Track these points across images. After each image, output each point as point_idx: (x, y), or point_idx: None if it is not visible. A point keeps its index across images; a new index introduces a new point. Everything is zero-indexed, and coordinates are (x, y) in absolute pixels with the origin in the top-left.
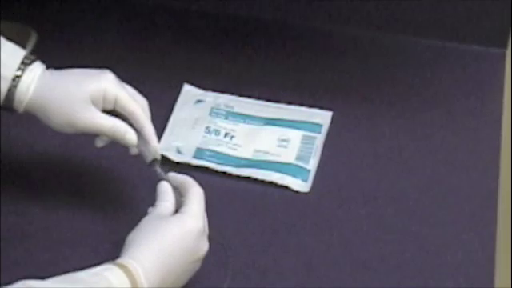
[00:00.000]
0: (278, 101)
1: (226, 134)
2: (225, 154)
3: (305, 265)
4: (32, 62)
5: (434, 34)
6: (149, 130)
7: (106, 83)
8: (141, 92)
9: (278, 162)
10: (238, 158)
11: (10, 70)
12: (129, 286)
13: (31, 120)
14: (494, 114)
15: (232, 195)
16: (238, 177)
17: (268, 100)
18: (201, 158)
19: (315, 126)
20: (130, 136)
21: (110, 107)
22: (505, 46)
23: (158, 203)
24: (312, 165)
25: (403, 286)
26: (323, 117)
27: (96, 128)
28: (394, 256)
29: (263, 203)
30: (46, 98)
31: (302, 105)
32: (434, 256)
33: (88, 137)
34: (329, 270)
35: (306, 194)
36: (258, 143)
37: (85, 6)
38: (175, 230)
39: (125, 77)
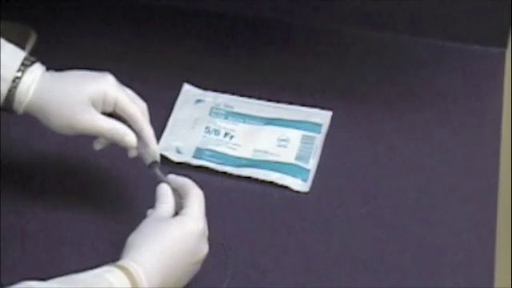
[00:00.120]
0: (277, 101)
1: (226, 134)
2: (224, 154)
3: (304, 264)
4: (32, 63)
5: (434, 33)
6: (148, 132)
7: (106, 85)
8: (141, 91)
9: (277, 162)
10: (237, 157)
11: (10, 71)
12: (130, 287)
13: (31, 120)
14: (493, 113)
15: (232, 195)
16: (238, 177)
17: (268, 100)
18: (200, 158)
19: (315, 126)
20: (130, 138)
21: (109, 109)
22: (504, 46)
23: (157, 205)
24: (312, 165)
25: (403, 285)
26: (323, 117)
27: (95, 130)
28: (394, 256)
29: (263, 203)
30: (45, 100)
31: (301, 105)
32: (434, 256)
33: (88, 137)
34: (328, 270)
35: (305, 193)
36: (258, 143)
37: (85, 5)
38: (176, 231)
39: (125, 76)
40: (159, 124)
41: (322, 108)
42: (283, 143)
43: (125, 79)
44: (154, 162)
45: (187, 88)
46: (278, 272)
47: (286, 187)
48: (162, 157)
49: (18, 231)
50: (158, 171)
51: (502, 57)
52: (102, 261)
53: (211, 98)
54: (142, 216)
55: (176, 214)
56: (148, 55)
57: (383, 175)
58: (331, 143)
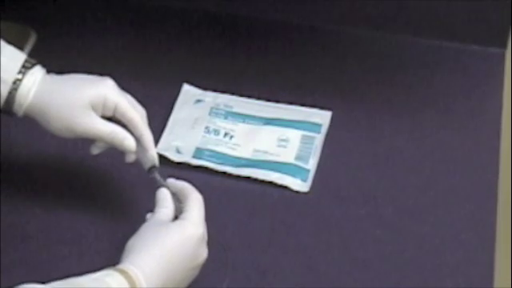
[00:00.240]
0: (277, 101)
1: (226, 134)
2: (224, 154)
3: (304, 264)
4: (33, 65)
5: (434, 33)
6: (148, 137)
7: (106, 90)
8: (141, 91)
9: (277, 162)
10: (237, 157)
11: (11, 74)
12: None
13: (31, 121)
14: (493, 113)
15: (231, 195)
16: (238, 177)
17: (267, 100)
18: (200, 158)
19: (315, 126)
20: (129, 142)
21: (109, 114)
22: (504, 46)
23: (157, 209)
24: (311, 164)
25: (402, 285)
26: (322, 117)
27: (95, 133)
28: (394, 256)
29: (262, 203)
30: (45, 103)
31: (301, 104)
32: (434, 256)
33: (87, 140)
34: (328, 270)
35: (305, 193)
36: (258, 143)
37: (84, 6)
38: (176, 236)
39: (125, 76)
40: (159, 124)
41: (322, 108)
42: (283, 143)
43: (125, 79)
44: (153, 167)
45: (187, 88)
46: (278, 272)
47: (285, 187)
48: (162, 157)
49: (18, 231)
50: (157, 175)
51: (502, 57)
52: (101, 261)
53: (211, 97)
54: (141, 216)
55: (175, 218)
56: (148, 55)
57: (383, 175)
58: (331, 143)
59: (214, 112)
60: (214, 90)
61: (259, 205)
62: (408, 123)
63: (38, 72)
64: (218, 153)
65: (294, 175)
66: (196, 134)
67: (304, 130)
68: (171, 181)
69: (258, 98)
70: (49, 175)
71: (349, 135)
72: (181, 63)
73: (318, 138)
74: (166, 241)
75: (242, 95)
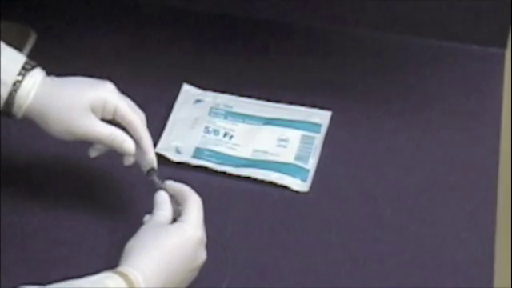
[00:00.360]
0: (277, 100)
1: (225, 134)
2: (224, 154)
3: (304, 264)
4: (33, 67)
5: (434, 33)
6: (147, 140)
7: (106, 93)
8: (140, 91)
9: (277, 162)
10: (237, 157)
11: (11, 75)
12: None
13: (31, 122)
14: (493, 113)
15: (231, 195)
16: (237, 176)
17: (267, 100)
18: (200, 158)
19: (314, 126)
20: (128, 145)
21: (108, 117)
22: (504, 46)
23: (155, 212)
24: (311, 164)
25: (402, 285)
26: (322, 116)
27: (94, 136)
28: (394, 255)
29: (262, 203)
30: (45, 105)
31: (301, 104)
32: (434, 255)
33: (87, 142)
34: (328, 270)
35: (305, 193)
36: (257, 143)
37: (84, 5)
38: (175, 238)
39: (124, 76)
40: (159, 124)
41: (322, 108)
42: (283, 143)
43: (124, 79)
44: (152, 170)
45: (187, 88)
46: (278, 272)
47: (285, 187)
48: (162, 157)
49: (18, 231)
50: (155, 178)
51: (502, 57)
52: (101, 261)
53: (211, 97)
54: (140, 217)
55: (174, 220)
56: (148, 55)
57: (383, 175)
58: (331, 143)
59: (213, 112)
60: (214, 90)
61: (259, 205)
62: (408, 123)
63: (37, 74)
64: (217, 153)
65: (293, 175)
66: (196, 134)
67: (304, 129)
68: (170, 183)
69: (258, 98)
70: (49, 175)
71: (348, 135)
72: (180, 63)
73: (318, 138)
74: (166, 243)
75: (241, 95)
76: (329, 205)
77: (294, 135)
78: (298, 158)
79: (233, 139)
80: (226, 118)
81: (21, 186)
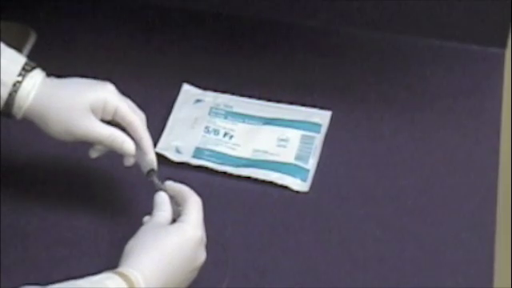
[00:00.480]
0: (277, 100)
1: (226, 134)
2: (224, 154)
3: (304, 264)
4: (32, 68)
5: (434, 33)
6: (147, 141)
7: (106, 94)
8: (140, 91)
9: (277, 162)
10: (237, 157)
11: (11, 76)
12: None
13: (31, 122)
14: (493, 113)
15: (231, 195)
16: (238, 176)
17: (267, 100)
18: (200, 158)
19: (314, 126)
20: (128, 145)
21: (108, 118)
22: (504, 46)
23: (155, 213)
24: (311, 164)
25: (402, 285)
26: (322, 116)
27: (94, 136)
28: (394, 255)
29: (262, 203)
30: (45, 105)
31: (301, 104)
32: (434, 255)
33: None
34: (328, 270)
35: (305, 193)
36: (257, 143)
37: (84, 5)
38: (175, 238)
39: (124, 76)
40: (159, 124)
41: (322, 108)
42: (283, 143)
43: (124, 79)
44: (152, 170)
45: (187, 88)
46: (278, 272)
47: (285, 187)
48: (162, 156)
49: (18, 231)
50: (155, 179)
51: (502, 57)
52: (101, 261)
53: (211, 97)
54: (141, 217)
55: (173, 221)
56: (148, 55)
57: (383, 175)
58: (331, 143)
59: (213, 112)
60: (214, 90)
61: (259, 205)
62: (408, 123)
63: (37, 75)
64: (217, 153)
65: (293, 175)
66: (196, 134)
67: (304, 129)
68: (169, 183)
69: (258, 98)
70: (49, 176)
71: (348, 135)
72: (180, 63)
73: (318, 138)
74: (166, 243)
75: (241, 95)
76: (329, 205)
77: (294, 135)
78: (298, 157)
79: (233, 139)
80: (226, 117)
81: (21, 186)
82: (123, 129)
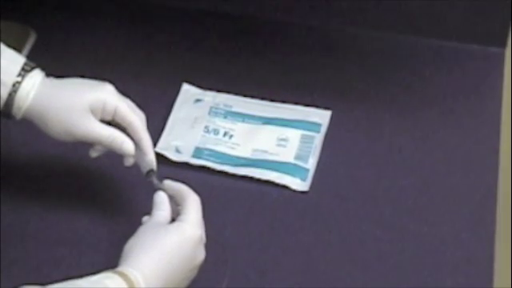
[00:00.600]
0: (277, 100)
1: (225, 133)
2: (224, 153)
3: (303, 264)
4: (32, 69)
5: (433, 33)
6: (147, 141)
7: (106, 94)
8: (140, 91)
9: (276, 162)
10: (236, 157)
11: (11, 76)
12: None
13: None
14: (492, 113)
15: (231, 194)
16: (237, 176)
17: (267, 99)
18: (200, 158)
19: (314, 126)
20: (128, 146)
21: (108, 118)
22: (504, 46)
23: (154, 212)
24: (311, 164)
25: (402, 285)
26: (322, 116)
27: (94, 137)
28: (393, 255)
29: (262, 202)
30: (44, 106)
31: (301, 104)
32: (433, 255)
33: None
34: (328, 270)
35: (304, 193)
36: (257, 142)
37: (84, 5)
38: (174, 237)
39: (124, 76)
40: (158, 123)
41: (321, 107)
42: (282, 143)
43: (124, 79)
44: (151, 171)
45: (186, 87)
46: (277, 271)
47: (285, 187)
48: (162, 156)
49: (18, 231)
50: (154, 180)
51: (502, 57)
52: (101, 261)
53: (210, 97)
54: (140, 216)
55: (173, 220)
56: (147, 55)
57: (383, 175)
58: (330, 143)
59: (213, 111)
60: (214, 90)
61: (258, 204)
62: (407, 123)
63: (37, 75)
64: (217, 152)
65: (293, 175)
66: (195, 134)
67: (303, 129)
68: (168, 183)
69: (258, 98)
70: (49, 175)
71: (348, 135)
72: (180, 63)
73: (318, 138)
74: (165, 242)
75: (241, 95)
76: (328, 204)
77: (294, 135)
78: (297, 157)
79: (232, 139)
80: (225, 117)
81: (21, 186)
82: (123, 129)
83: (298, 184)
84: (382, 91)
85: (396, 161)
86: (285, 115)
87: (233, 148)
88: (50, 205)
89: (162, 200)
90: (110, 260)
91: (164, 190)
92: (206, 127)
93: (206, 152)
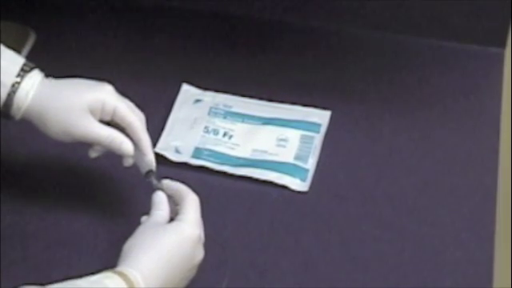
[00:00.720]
0: (276, 100)
1: (225, 134)
2: (223, 154)
3: (303, 264)
4: (31, 69)
5: (433, 33)
6: (146, 142)
7: (105, 94)
8: (140, 91)
9: (276, 162)
10: (236, 157)
11: (10, 77)
12: None
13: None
14: (492, 113)
15: (230, 195)
16: (237, 176)
17: (267, 99)
18: (199, 158)
19: (314, 126)
20: (127, 146)
21: (107, 118)
22: (503, 46)
23: (153, 212)
24: (311, 164)
25: (402, 285)
26: (322, 116)
27: (93, 137)
28: (393, 255)
29: (261, 203)
30: (43, 106)
31: (300, 104)
32: (433, 255)
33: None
34: (327, 270)
35: (304, 193)
36: (257, 143)
37: (84, 5)
38: (173, 237)
39: (124, 76)
40: (158, 124)
41: (321, 108)
42: (282, 143)
43: (124, 79)
44: (150, 171)
45: (186, 88)
46: (277, 272)
47: (284, 187)
48: (161, 156)
49: (18, 231)
50: (153, 180)
51: (501, 57)
52: (101, 261)
53: (210, 97)
54: (140, 216)
55: (171, 220)
56: (147, 55)
57: (382, 175)
58: (330, 143)
59: (213, 112)
60: (213, 90)
61: (258, 204)
62: (407, 123)
63: (36, 76)
64: (217, 152)
65: (293, 175)
66: (195, 134)
67: (303, 129)
68: (167, 182)
69: (257, 98)
70: (49, 176)
71: (348, 135)
72: (180, 63)
73: (318, 138)
74: (164, 242)
75: (241, 95)
76: (328, 205)
77: (294, 135)
78: (297, 157)
79: (232, 139)
80: (225, 117)
81: (21, 186)
82: (122, 129)
83: (297, 184)
84: (382, 91)
85: (396, 161)
86: (284, 115)
87: (232, 148)
88: (49, 205)
89: (160, 200)
90: (110, 260)
91: (163, 190)
92: (206, 127)
93: (206, 152)
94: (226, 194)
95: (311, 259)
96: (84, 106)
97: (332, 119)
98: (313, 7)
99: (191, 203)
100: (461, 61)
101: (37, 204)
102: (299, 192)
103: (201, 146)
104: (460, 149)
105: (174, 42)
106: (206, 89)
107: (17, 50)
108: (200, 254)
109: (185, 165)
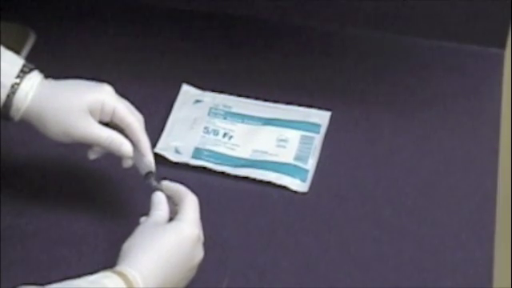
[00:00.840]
0: (276, 101)
1: (225, 134)
2: (223, 154)
3: (303, 265)
4: (31, 70)
5: (433, 33)
6: (145, 143)
7: (104, 95)
8: (140, 92)
9: (276, 162)
10: (236, 157)
11: (9, 78)
12: None
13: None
14: (492, 113)
15: (230, 195)
16: (237, 177)
17: (266, 100)
18: (199, 158)
19: (314, 126)
20: (126, 147)
21: (106, 119)
22: (503, 46)
23: (152, 212)
24: (310, 165)
25: (402, 285)
26: (322, 117)
27: (92, 138)
28: (393, 256)
29: (261, 203)
30: (43, 107)
31: (300, 105)
32: (433, 256)
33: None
34: (327, 270)
35: (304, 194)
36: (257, 143)
37: (84, 6)
38: (172, 237)
39: (124, 77)
40: (158, 124)
41: (321, 108)
42: (282, 143)
43: (124, 79)
44: (150, 172)
45: (186, 88)
46: (277, 272)
47: (284, 187)
48: (161, 157)
49: (18, 231)
50: (153, 181)
51: (501, 57)
52: (100, 261)
53: (210, 98)
54: (139, 217)
55: (171, 220)
56: (147, 55)
57: (382, 175)
58: (330, 143)
59: (212, 112)
60: (213, 91)
61: (258, 205)
62: (407, 123)
63: (35, 77)
64: (216, 153)
65: (293, 175)
66: (195, 134)
67: (303, 130)
68: (166, 183)
69: (257, 98)
70: (48, 176)
71: (348, 135)
72: (180, 63)
73: (317, 139)
74: (163, 242)
75: (241, 95)
76: (328, 205)
77: (294, 135)
78: (297, 158)
79: (232, 139)
80: (225, 118)
81: (21, 187)
82: (121, 130)
83: (297, 185)
84: (382, 91)
85: (395, 161)
86: (284, 116)
87: (232, 149)
88: (49, 205)
89: (159, 200)
90: (110, 260)
91: (162, 191)
92: (206, 128)
93: (206, 153)
94: (225, 195)
95: (311, 259)
96: (83, 106)
97: (332, 120)
98: (313, 7)
99: (190, 203)
100: (461, 61)
101: (37, 204)
102: (299, 192)
103: (201, 146)
104: (460, 149)
105: (174, 43)
106: (205, 89)
107: (17, 50)
108: (199, 254)
109: (185, 165)
